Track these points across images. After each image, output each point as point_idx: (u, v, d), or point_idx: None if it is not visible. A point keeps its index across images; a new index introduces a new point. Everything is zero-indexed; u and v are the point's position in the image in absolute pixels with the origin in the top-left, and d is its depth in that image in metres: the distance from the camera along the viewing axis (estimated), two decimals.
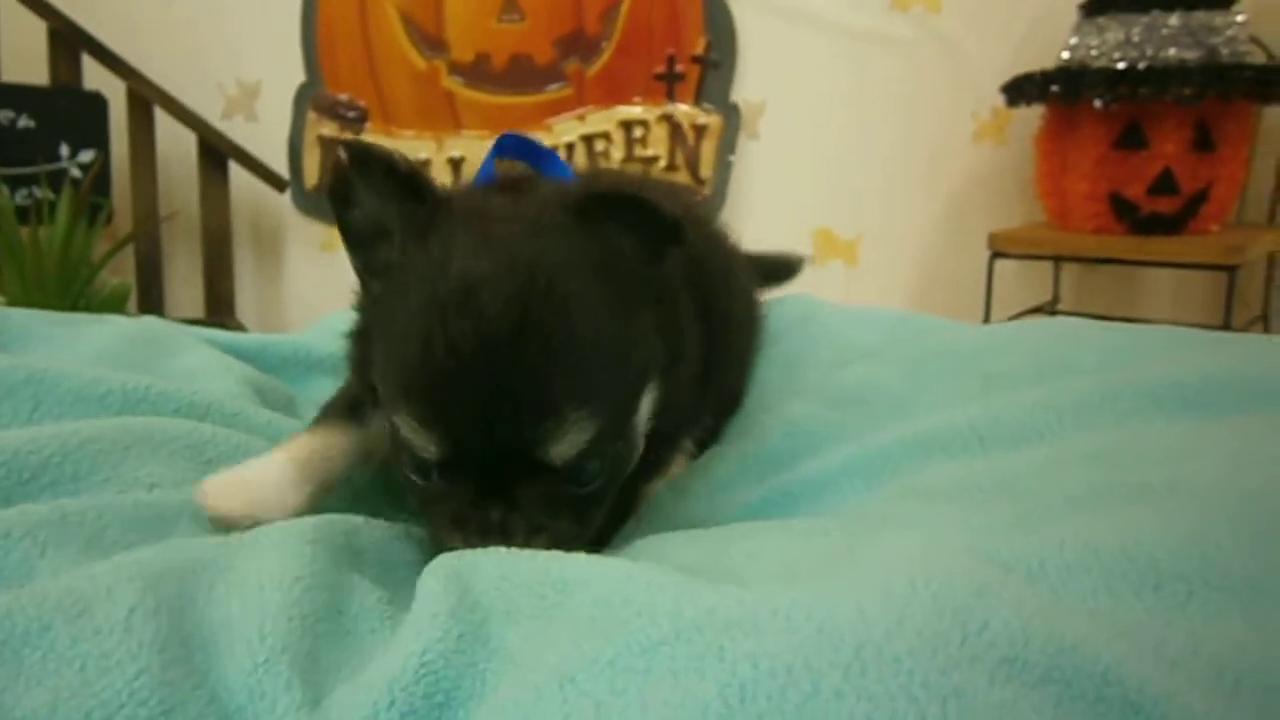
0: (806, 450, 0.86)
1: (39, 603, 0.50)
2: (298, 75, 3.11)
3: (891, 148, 2.92)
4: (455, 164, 3.04)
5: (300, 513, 0.72)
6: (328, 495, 0.77)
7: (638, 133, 3.01)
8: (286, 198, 3.11)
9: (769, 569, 0.57)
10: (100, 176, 2.76)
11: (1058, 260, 2.74)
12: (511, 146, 0.88)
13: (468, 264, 0.64)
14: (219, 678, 0.49)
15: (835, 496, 0.79)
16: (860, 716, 0.38)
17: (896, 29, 2.86)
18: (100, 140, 2.84)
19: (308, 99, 3.12)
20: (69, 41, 2.81)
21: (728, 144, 2.98)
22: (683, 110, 2.98)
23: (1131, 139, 2.35)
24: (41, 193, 2.64)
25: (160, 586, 0.53)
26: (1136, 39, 2.30)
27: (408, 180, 0.69)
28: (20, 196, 2.67)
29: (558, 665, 0.45)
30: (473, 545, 0.63)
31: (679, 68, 2.98)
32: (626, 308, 0.68)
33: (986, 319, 2.56)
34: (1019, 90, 2.47)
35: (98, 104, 2.85)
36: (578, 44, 3.01)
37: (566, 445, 0.64)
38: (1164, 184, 2.34)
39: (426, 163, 2.99)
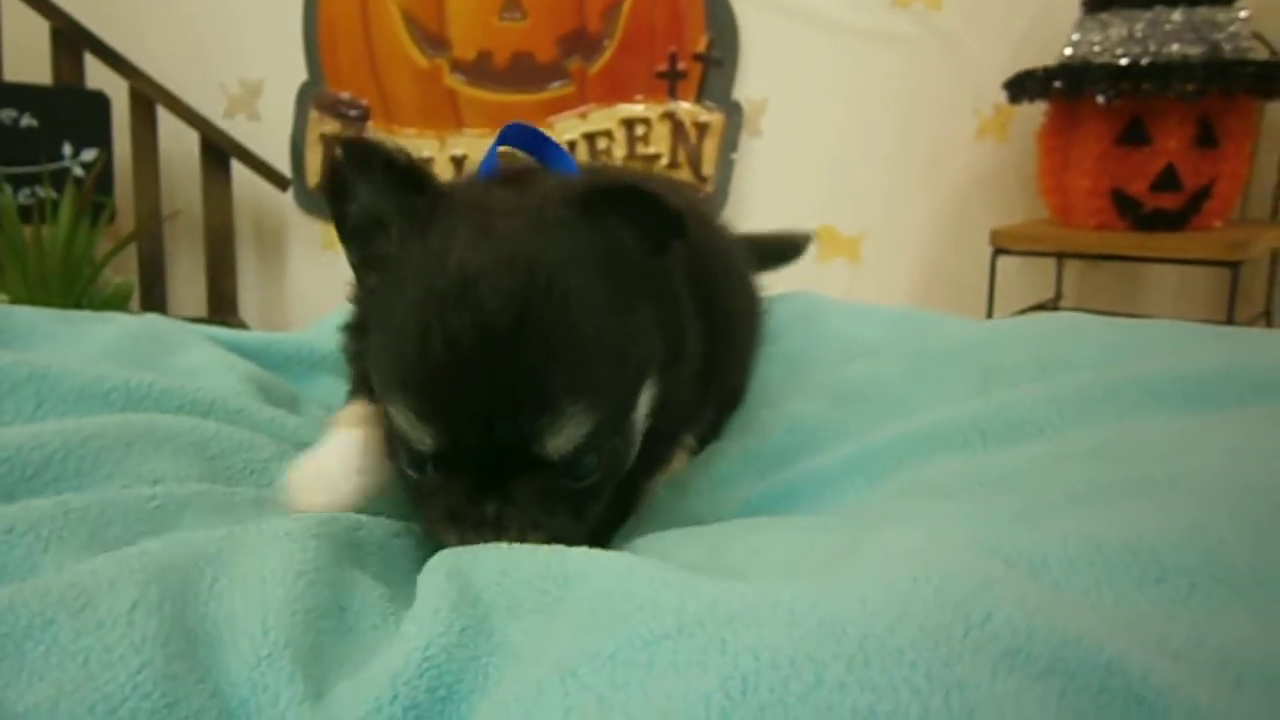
0: (808, 446, 0.86)
1: (42, 597, 0.50)
2: (300, 74, 3.11)
3: (894, 145, 2.92)
4: (458, 162, 3.04)
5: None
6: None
7: (640, 131, 3.01)
8: (289, 196, 3.11)
9: (771, 565, 0.57)
10: (103, 175, 2.76)
11: (1060, 257, 2.74)
12: (515, 136, 0.88)
13: (467, 256, 0.64)
14: (222, 672, 0.49)
15: (837, 493, 0.79)
16: (863, 708, 0.38)
17: (898, 26, 2.86)
18: (103, 139, 2.84)
19: (310, 98, 3.12)
20: (72, 40, 2.81)
21: (730, 142, 2.98)
22: (685, 108, 2.98)
23: (1134, 135, 2.35)
24: (44, 192, 2.65)
25: (163, 581, 0.53)
26: (1139, 35, 2.30)
27: (407, 173, 0.69)
28: (23, 195, 2.67)
29: (559, 659, 0.46)
30: (468, 541, 0.63)
31: (681, 65, 2.98)
32: (627, 303, 0.68)
33: (989, 316, 2.56)
34: (1021, 87, 2.47)
35: (100, 103, 2.85)
36: (580, 42, 3.01)
37: (563, 439, 0.64)
38: (1167, 180, 2.34)
39: (429, 161, 2.99)
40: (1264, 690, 0.41)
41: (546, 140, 0.88)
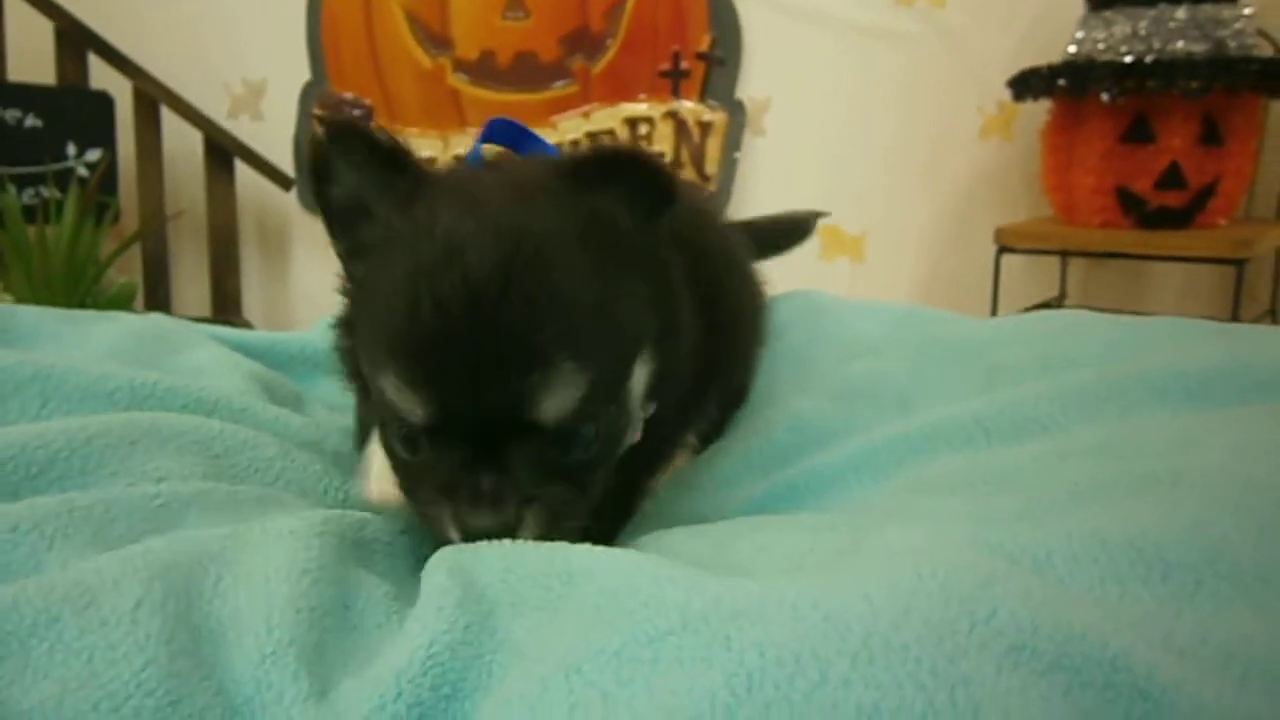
0: (812, 445, 0.86)
1: (46, 595, 0.50)
2: (303, 74, 3.11)
3: (897, 143, 2.91)
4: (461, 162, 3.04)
5: None
6: None
7: (643, 130, 3.01)
8: (292, 196, 3.12)
9: (775, 562, 0.57)
10: (107, 176, 2.77)
11: (1065, 255, 2.73)
12: (500, 132, 0.88)
13: (453, 227, 0.64)
14: (226, 669, 0.49)
15: (840, 491, 0.79)
16: (868, 704, 0.38)
17: (901, 24, 2.86)
18: (107, 139, 2.85)
19: (313, 97, 3.13)
20: (75, 41, 2.82)
21: (733, 141, 2.98)
22: (688, 107, 2.98)
23: (1138, 133, 2.34)
24: (48, 192, 2.65)
25: (167, 579, 0.53)
26: (1143, 32, 2.29)
27: (391, 155, 0.68)
28: (27, 196, 2.68)
29: (564, 656, 0.45)
30: (463, 516, 0.62)
31: (684, 65, 2.98)
32: (616, 269, 0.67)
33: (993, 315, 2.56)
34: (1025, 84, 2.46)
35: (104, 103, 2.86)
36: (583, 41, 3.01)
37: (557, 400, 0.62)
38: (1171, 178, 2.34)
39: (432, 160, 2.99)
40: (1268, 686, 0.41)
41: (529, 134, 0.88)
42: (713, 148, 2.98)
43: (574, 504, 0.66)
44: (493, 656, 0.49)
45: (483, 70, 3.06)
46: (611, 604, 0.49)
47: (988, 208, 2.83)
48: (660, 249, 0.73)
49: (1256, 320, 2.60)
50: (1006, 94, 2.56)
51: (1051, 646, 0.41)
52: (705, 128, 2.98)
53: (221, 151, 2.96)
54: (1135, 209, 2.39)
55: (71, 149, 2.80)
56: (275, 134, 3.12)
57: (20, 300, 2.39)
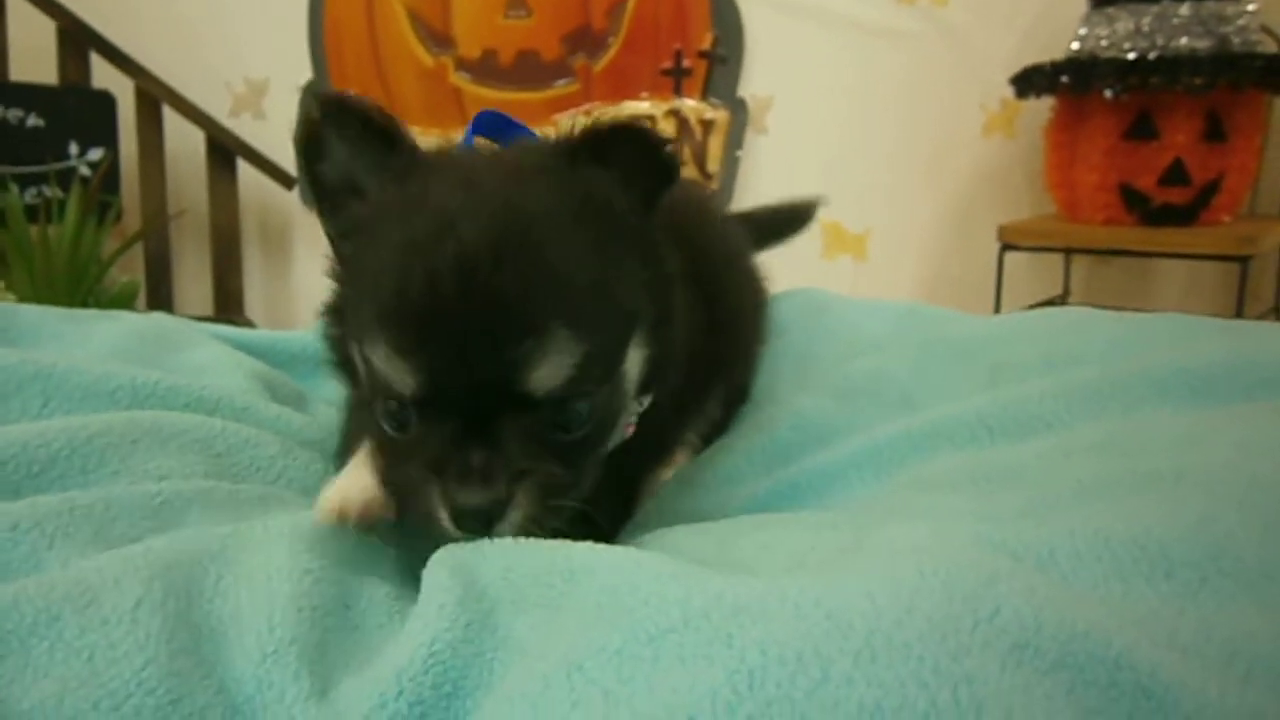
0: (814, 442, 0.86)
1: (47, 593, 0.50)
2: (305, 72, 3.11)
3: (900, 141, 2.91)
4: None
5: None
6: None
7: None
8: (294, 195, 3.11)
9: (778, 560, 0.57)
10: (109, 175, 2.76)
11: (1068, 253, 2.73)
12: (489, 123, 0.88)
13: (446, 200, 0.63)
14: (227, 668, 0.49)
15: (843, 488, 0.79)
16: (870, 703, 0.38)
17: (903, 22, 2.85)
18: (109, 139, 2.85)
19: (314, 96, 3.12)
20: (77, 40, 2.82)
21: (735, 139, 2.98)
22: (690, 105, 2.98)
23: (1142, 130, 2.34)
24: (51, 191, 2.65)
25: (168, 577, 0.53)
26: (1146, 28, 2.29)
27: (384, 132, 0.68)
28: (29, 195, 2.68)
29: (565, 654, 0.45)
30: (452, 493, 0.61)
31: (686, 63, 2.97)
32: (610, 246, 0.66)
33: (997, 312, 2.55)
34: (1028, 82, 2.46)
35: (106, 102, 2.86)
36: (584, 40, 3.01)
37: (550, 368, 0.61)
38: (1175, 175, 2.33)
39: None
40: (1273, 683, 0.41)
41: (518, 126, 0.88)
42: (715, 146, 2.98)
43: (565, 484, 0.64)
44: (494, 654, 0.49)
45: (484, 69, 3.06)
46: (613, 601, 0.48)
47: (990, 205, 2.83)
48: (655, 235, 0.73)
49: (1260, 317, 2.59)
50: (1009, 91, 2.55)
51: (1055, 645, 0.40)
52: (707, 126, 2.97)
53: (223, 150, 2.96)
54: (1139, 206, 2.38)
55: (74, 148, 2.80)
56: (277, 133, 3.11)
57: (22, 299, 2.39)
